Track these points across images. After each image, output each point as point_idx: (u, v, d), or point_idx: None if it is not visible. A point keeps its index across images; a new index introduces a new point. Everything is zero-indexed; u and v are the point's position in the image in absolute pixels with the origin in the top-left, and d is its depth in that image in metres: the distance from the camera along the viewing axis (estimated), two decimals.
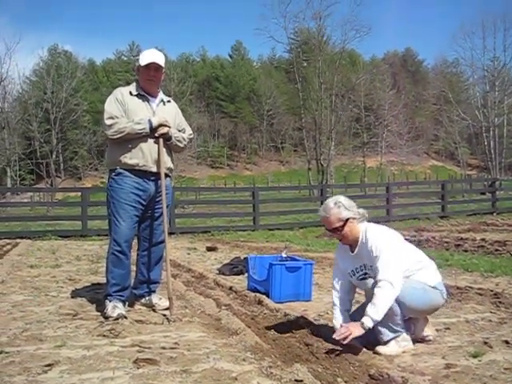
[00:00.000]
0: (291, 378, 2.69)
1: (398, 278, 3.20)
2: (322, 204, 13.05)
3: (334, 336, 3.18)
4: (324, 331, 3.63)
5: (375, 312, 3.14)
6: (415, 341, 3.39)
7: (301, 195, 39.79)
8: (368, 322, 3.13)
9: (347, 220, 3.42)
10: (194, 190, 39.85)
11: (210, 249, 9.72)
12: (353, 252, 3.48)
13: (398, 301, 3.20)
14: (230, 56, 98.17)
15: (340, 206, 3.44)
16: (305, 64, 54.69)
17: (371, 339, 3.31)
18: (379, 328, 3.25)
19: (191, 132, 4.79)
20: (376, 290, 3.18)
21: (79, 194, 16.56)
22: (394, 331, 3.25)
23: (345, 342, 3.11)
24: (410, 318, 3.39)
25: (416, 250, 3.50)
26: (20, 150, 52.97)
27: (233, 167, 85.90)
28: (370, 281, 3.35)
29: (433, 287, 3.34)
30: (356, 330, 3.12)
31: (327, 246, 10.04)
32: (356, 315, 3.43)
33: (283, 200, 23.40)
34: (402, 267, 3.28)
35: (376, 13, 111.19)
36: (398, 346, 3.26)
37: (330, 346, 3.27)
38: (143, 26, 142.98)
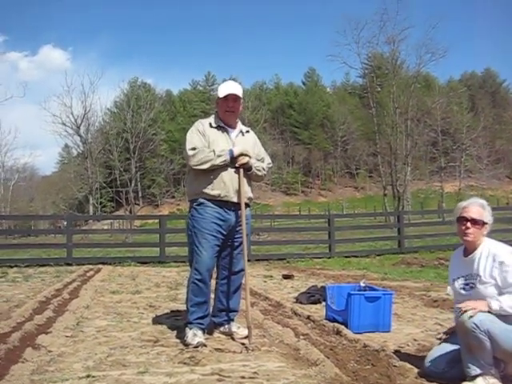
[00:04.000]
0: None
1: None
2: (398, 231, 12.69)
3: (459, 305, 3.26)
4: (405, 364, 3.54)
5: (498, 303, 3.14)
6: (505, 379, 3.22)
7: (377, 222, 39.13)
8: (493, 304, 3.14)
9: (485, 224, 3.41)
10: (269, 218, 39.96)
11: (286, 277, 9.68)
12: (466, 257, 3.46)
13: (490, 337, 3.07)
14: (303, 83, 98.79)
15: (486, 209, 3.45)
16: (379, 89, 54.05)
17: (456, 375, 3.20)
18: (467, 362, 3.13)
19: (270, 161, 4.84)
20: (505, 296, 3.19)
21: (157, 220, 16.97)
22: (483, 367, 3.11)
23: (470, 313, 3.13)
24: None
25: None
26: (101, 178, 54.99)
27: (307, 194, 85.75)
28: (469, 293, 3.32)
29: None
30: (482, 306, 3.15)
31: (405, 275, 9.81)
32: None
33: (359, 227, 22.98)
34: None
35: (453, 34, 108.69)
36: (485, 383, 3.11)
37: (413, 380, 3.18)
38: (219, 56, 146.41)
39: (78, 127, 49.91)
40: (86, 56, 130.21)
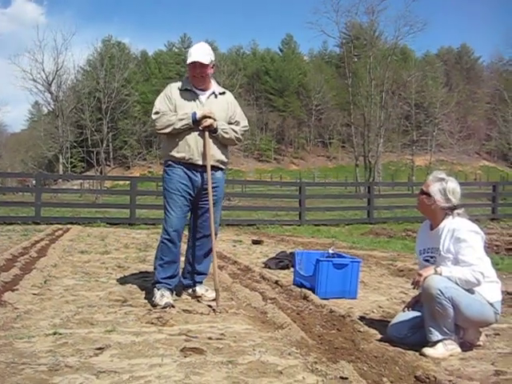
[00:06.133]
0: (336, 375, 2.68)
1: (481, 265, 3.26)
2: (368, 202, 12.92)
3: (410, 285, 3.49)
4: (369, 330, 3.62)
5: (448, 271, 3.24)
6: (463, 345, 3.33)
7: (347, 192, 39.51)
8: (444, 271, 3.24)
9: (430, 196, 3.49)
10: (241, 183, 39.97)
11: (255, 242, 9.76)
12: (431, 230, 3.55)
13: (453, 304, 3.16)
14: (280, 50, 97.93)
15: (436, 183, 3.51)
16: (355, 59, 54.04)
17: (417, 341, 3.29)
18: (430, 328, 3.23)
19: (246, 124, 4.78)
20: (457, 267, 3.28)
21: (127, 182, 16.86)
22: (444, 333, 3.20)
23: (417, 288, 3.32)
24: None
25: (489, 262, 3.46)
26: (72, 138, 54.17)
27: (279, 161, 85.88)
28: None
29: (490, 303, 3.28)
30: (427, 272, 3.26)
31: (373, 244, 9.96)
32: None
33: (330, 196, 23.15)
34: (484, 261, 3.33)
35: (431, 7, 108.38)
36: (445, 349, 3.21)
37: (376, 345, 3.25)
38: (195, 18, 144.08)
39: (50, 84, 48.89)
40: (61, 13, 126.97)
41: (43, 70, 48.34)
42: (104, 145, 48.29)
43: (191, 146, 4.39)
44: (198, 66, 4.39)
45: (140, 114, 68.48)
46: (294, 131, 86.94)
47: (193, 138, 4.40)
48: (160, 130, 4.40)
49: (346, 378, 2.64)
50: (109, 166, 58.83)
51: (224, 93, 4.70)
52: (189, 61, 4.38)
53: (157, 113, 4.41)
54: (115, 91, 50.46)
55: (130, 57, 64.80)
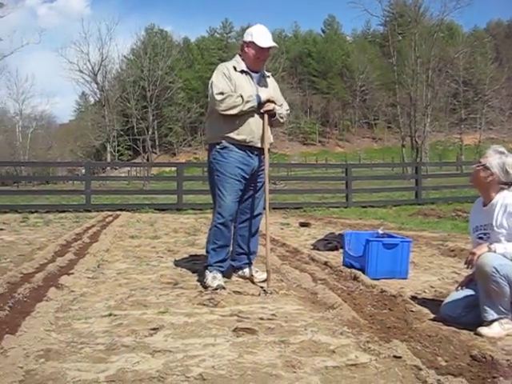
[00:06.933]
0: (389, 354, 2.66)
1: None
2: (416, 182, 12.71)
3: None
4: (422, 309, 3.58)
5: (503, 248, 3.15)
6: None
7: (394, 173, 38.95)
8: (498, 248, 3.15)
9: (487, 169, 3.39)
10: (286, 166, 39.87)
11: (303, 224, 9.74)
12: (484, 206, 3.45)
13: (509, 281, 3.08)
14: (323, 31, 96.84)
15: (496, 156, 3.40)
16: (400, 38, 52.78)
17: (471, 320, 3.23)
18: (485, 307, 3.15)
19: (288, 108, 4.78)
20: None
21: (173, 168, 17.05)
22: (500, 312, 3.13)
23: (470, 267, 3.24)
24: None
25: None
26: (118, 126, 55.19)
27: (324, 144, 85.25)
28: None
29: None
30: (480, 250, 3.18)
31: (422, 225, 9.81)
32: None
33: (376, 177, 22.89)
34: None
35: None
36: (501, 328, 3.13)
37: (430, 325, 3.21)
38: (236, 2, 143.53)
39: (95, 74, 49.89)
40: (105, 3, 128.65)
41: (89, 61, 49.44)
42: (150, 132, 49.01)
43: (253, 129, 4.39)
44: (266, 50, 4.43)
45: (184, 101, 68.96)
46: (339, 113, 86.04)
47: (254, 121, 4.40)
48: (225, 110, 4.31)
49: (400, 357, 2.61)
50: (155, 153, 59.55)
51: (269, 76, 4.71)
52: (264, 45, 4.39)
53: (221, 93, 4.31)
54: (159, 79, 50.97)
55: (172, 44, 65.31)
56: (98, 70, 50.63)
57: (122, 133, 56.89)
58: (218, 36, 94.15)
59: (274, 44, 4.44)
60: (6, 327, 3.15)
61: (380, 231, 5.32)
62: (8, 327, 3.14)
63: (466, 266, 3.28)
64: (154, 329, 3.14)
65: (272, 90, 4.60)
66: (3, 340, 2.82)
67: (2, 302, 3.70)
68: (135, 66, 55.69)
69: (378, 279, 4.68)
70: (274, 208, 13.75)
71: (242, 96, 4.29)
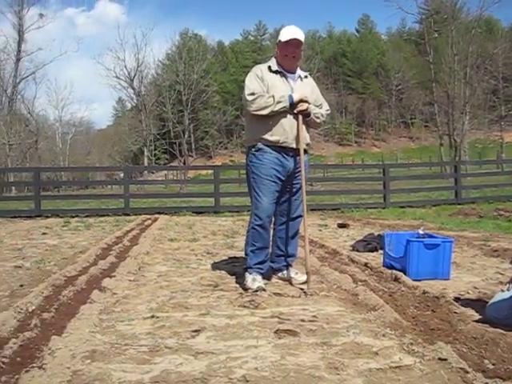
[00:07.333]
0: (434, 356, 2.61)
1: None
2: (455, 181, 12.48)
3: None
4: (466, 311, 3.51)
5: None
6: None
7: (432, 172, 38.41)
8: None
9: None
10: (322, 167, 39.70)
11: (341, 225, 9.67)
12: None
13: None
14: (357, 30, 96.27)
15: None
16: (436, 35, 51.96)
17: None
18: None
19: (328, 108, 4.75)
20: None
21: (210, 171, 17.16)
22: None
23: None
24: None
25: None
26: (155, 130, 55.85)
27: (360, 144, 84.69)
28: None
29: None
30: None
31: (462, 225, 9.62)
32: None
33: (414, 177, 22.57)
34: None
35: None
36: None
37: (474, 326, 3.15)
38: (269, 5, 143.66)
39: (132, 80, 50.63)
40: (141, 9, 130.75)
41: (125, 67, 50.25)
42: (186, 136, 49.45)
43: (286, 129, 4.37)
44: (294, 44, 4.39)
45: (220, 104, 69.48)
46: (375, 113, 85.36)
47: (287, 122, 4.38)
48: (256, 111, 4.32)
49: (445, 360, 2.55)
50: (191, 156, 60.06)
51: (306, 76, 4.69)
52: (285, 38, 4.37)
53: (252, 94, 4.33)
54: (194, 83, 51.39)
55: (207, 48, 65.80)
56: (134, 75, 51.43)
57: (158, 137, 57.54)
58: (251, 38, 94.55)
59: (295, 36, 4.36)
60: (52, 329, 3.22)
61: (421, 231, 5.23)
62: (54, 329, 3.21)
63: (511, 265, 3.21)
64: (195, 331, 3.16)
65: (309, 90, 4.57)
66: (50, 341, 2.89)
67: (48, 305, 3.80)
68: (170, 71, 56.33)
69: (420, 280, 4.60)
70: (311, 209, 13.71)
71: (273, 96, 4.29)
